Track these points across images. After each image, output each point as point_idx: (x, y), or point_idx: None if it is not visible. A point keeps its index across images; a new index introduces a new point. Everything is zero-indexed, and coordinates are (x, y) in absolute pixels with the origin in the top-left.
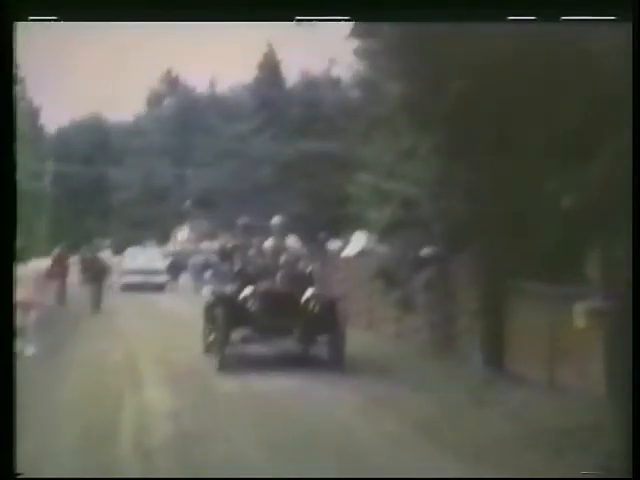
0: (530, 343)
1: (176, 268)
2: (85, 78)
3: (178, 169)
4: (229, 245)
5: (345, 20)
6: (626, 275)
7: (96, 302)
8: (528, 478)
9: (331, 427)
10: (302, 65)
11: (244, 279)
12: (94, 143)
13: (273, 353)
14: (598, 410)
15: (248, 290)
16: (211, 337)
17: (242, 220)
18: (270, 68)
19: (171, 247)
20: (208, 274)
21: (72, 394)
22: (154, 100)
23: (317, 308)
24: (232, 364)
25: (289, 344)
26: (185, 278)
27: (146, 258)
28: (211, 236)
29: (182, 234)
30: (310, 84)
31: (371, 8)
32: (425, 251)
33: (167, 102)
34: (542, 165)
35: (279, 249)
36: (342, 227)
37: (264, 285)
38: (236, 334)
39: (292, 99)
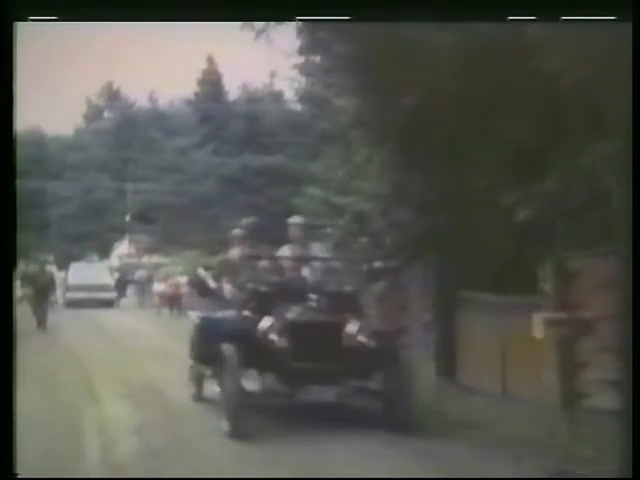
0: (483, 353)
1: (123, 283)
2: (23, 91)
3: (118, 183)
4: (233, 254)
5: (345, 20)
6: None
7: (41, 319)
8: (527, 478)
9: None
10: (243, 78)
11: (260, 303)
12: (32, 157)
13: (298, 404)
14: (552, 418)
15: (268, 320)
16: (215, 387)
17: (248, 220)
18: (211, 82)
19: (113, 262)
20: (156, 289)
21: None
22: (93, 114)
23: (371, 344)
24: (248, 427)
25: (324, 394)
26: (129, 293)
27: (91, 273)
28: (152, 250)
29: (122, 249)
30: (252, 98)
31: (371, 8)
32: (377, 264)
33: (107, 116)
34: (495, 178)
35: (303, 260)
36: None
37: (293, 313)
38: (248, 381)
39: (234, 113)
